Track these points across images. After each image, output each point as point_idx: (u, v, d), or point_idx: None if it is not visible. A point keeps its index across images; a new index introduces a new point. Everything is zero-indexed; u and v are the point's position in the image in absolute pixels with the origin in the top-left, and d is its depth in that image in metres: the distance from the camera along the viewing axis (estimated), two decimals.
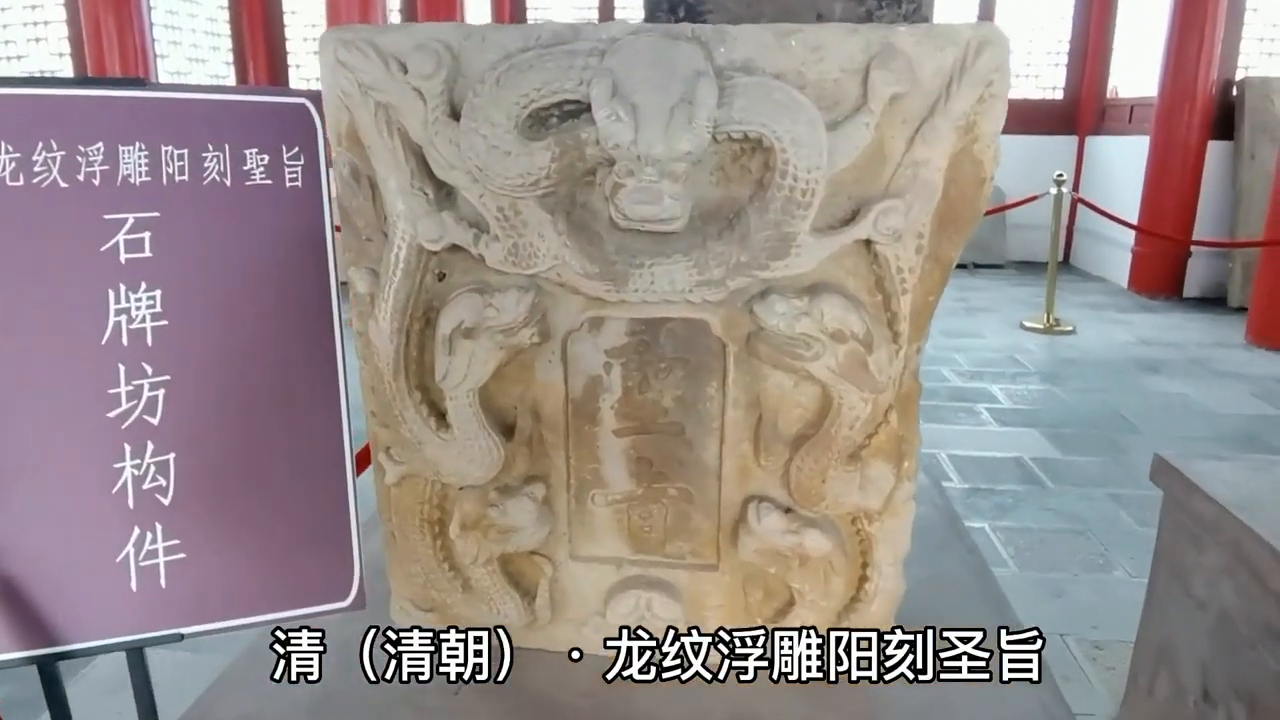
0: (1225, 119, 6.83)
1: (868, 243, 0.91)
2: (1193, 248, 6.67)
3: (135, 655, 1.08)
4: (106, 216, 0.99)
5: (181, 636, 1.07)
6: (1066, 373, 4.91)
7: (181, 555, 1.06)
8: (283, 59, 8.87)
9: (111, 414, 1.02)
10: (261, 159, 1.04)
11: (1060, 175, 5.68)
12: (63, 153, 0.97)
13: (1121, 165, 7.58)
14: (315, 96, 1.04)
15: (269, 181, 1.05)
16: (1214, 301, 6.69)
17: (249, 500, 1.08)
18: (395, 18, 8.30)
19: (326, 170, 1.05)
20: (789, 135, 0.85)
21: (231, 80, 8.55)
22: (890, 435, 1.00)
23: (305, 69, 8.79)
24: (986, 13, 8.69)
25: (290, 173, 1.06)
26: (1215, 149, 6.76)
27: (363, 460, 1.17)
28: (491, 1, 9.36)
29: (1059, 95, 8.73)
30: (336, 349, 1.08)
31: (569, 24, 0.90)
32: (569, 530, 1.12)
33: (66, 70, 7.20)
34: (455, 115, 0.91)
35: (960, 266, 8.48)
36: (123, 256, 1.00)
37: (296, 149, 1.05)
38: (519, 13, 9.50)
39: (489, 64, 0.89)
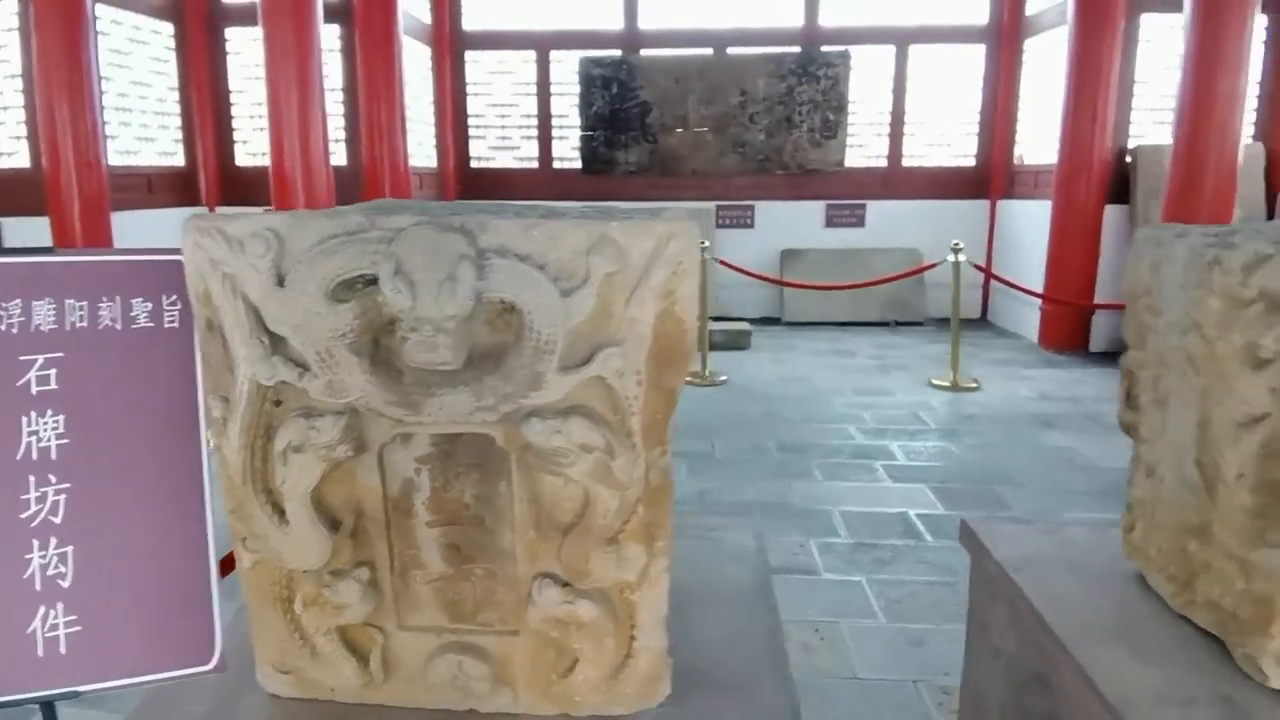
0: (1120, 184, 7.35)
1: (603, 376, 1.18)
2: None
3: (46, 709, 1.35)
4: (21, 357, 1.27)
5: (78, 694, 1.34)
6: (965, 429, 5.24)
7: (79, 628, 1.33)
8: (229, 136, 9.14)
9: (23, 515, 1.29)
10: (146, 306, 1.33)
11: (957, 244, 6.08)
12: None
13: (1030, 227, 8.08)
14: None
15: (152, 324, 1.33)
16: (1118, 355, 7.10)
17: (132, 582, 1.34)
18: (338, 96, 8.62)
19: None
20: (532, 302, 1.13)
21: (180, 156, 8.78)
22: (640, 522, 1.26)
23: (251, 145, 9.07)
24: (899, 89, 9.27)
25: (169, 316, 1.35)
26: (1112, 212, 7.27)
27: None
28: (434, 77, 9.74)
29: (972, 162, 9.29)
30: (202, 459, 1.37)
31: (369, 215, 1.17)
32: (395, 605, 1.36)
33: (24, 153, 7.37)
34: (282, 283, 1.17)
35: (882, 324, 8.93)
36: (34, 389, 1.28)
37: (174, 296, 1.34)
38: (459, 89, 9.89)
39: (307, 246, 1.16)
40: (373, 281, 1.16)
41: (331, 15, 8.03)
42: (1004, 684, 1.95)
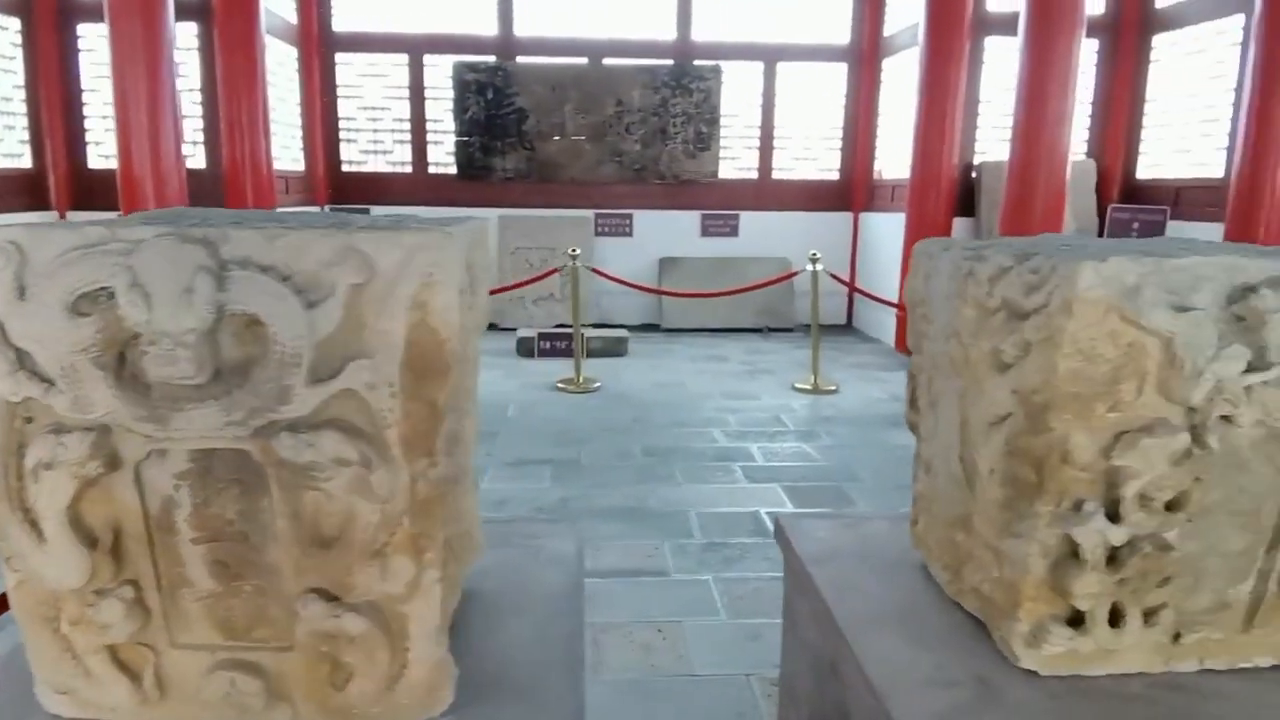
0: (967, 198, 7.76)
1: (354, 389, 1.19)
2: None
3: None
4: None
5: None
6: (821, 430, 5.43)
7: None
8: (81, 137, 8.69)
9: None
10: None
11: (814, 254, 6.31)
12: None
13: (888, 237, 8.45)
14: None
15: None
16: None
17: None
18: (196, 96, 8.31)
19: None
20: (274, 314, 1.13)
21: (27, 158, 8.31)
22: (407, 535, 1.27)
23: (105, 147, 8.64)
24: (768, 104, 9.56)
25: None
26: (960, 224, 7.68)
27: None
28: (301, 78, 9.49)
29: (836, 176, 9.64)
30: None
31: (110, 228, 1.15)
32: (165, 623, 1.34)
33: None
34: (24, 296, 1.14)
35: (755, 330, 9.17)
36: None
37: None
38: (329, 91, 9.67)
39: (48, 258, 1.14)
40: (114, 295, 1.14)
41: (187, 13, 7.74)
42: (809, 674, 2.04)
